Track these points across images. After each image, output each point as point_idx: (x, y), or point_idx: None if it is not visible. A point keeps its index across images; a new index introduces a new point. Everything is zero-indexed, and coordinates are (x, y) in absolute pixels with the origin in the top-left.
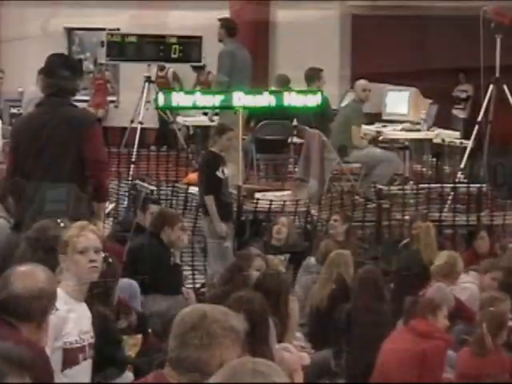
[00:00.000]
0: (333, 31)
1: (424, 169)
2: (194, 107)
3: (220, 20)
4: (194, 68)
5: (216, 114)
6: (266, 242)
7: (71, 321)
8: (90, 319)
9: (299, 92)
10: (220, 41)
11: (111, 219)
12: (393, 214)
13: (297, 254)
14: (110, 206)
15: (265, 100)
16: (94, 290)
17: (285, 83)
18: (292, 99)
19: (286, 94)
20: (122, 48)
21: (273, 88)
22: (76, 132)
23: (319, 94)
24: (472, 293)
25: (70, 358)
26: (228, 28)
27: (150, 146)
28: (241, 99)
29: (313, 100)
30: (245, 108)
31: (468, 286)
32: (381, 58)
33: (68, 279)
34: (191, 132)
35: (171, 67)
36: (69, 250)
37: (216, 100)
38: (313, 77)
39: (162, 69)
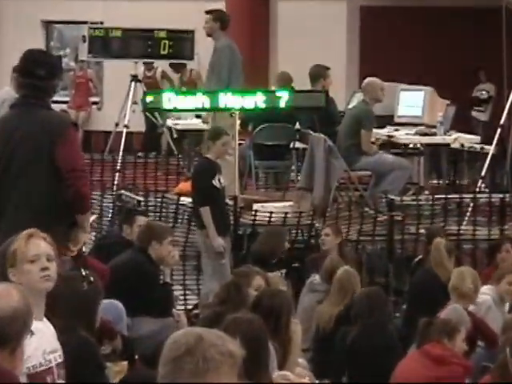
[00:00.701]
0: (339, 25)
1: (441, 178)
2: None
3: (211, 12)
4: (174, 67)
5: (198, 116)
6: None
7: (32, 342)
8: (54, 336)
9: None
10: (209, 35)
11: (94, 233)
12: (406, 228)
13: (293, 269)
14: (92, 218)
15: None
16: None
17: (287, 82)
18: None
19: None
20: (106, 43)
21: (273, 87)
22: (48, 138)
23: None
24: (483, 301)
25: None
26: (222, 21)
27: (137, 153)
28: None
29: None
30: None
31: (480, 296)
32: (392, 54)
33: None
34: (175, 136)
35: (159, 67)
36: (18, 261)
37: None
38: (318, 75)
39: (149, 69)
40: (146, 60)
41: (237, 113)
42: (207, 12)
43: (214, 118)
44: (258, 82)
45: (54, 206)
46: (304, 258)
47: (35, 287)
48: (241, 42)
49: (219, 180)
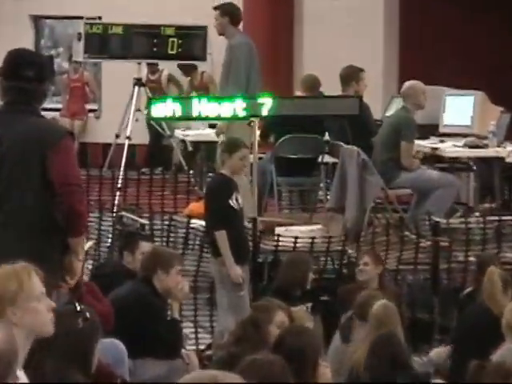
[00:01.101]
0: (375, 18)
1: (493, 197)
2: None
3: (219, 8)
4: (183, 70)
5: (212, 126)
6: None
7: None
8: None
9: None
10: (221, 34)
11: (91, 261)
12: (453, 255)
13: (321, 303)
14: (88, 244)
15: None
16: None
17: (313, 86)
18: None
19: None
20: (105, 42)
21: (298, 93)
22: (38, 148)
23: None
24: None
25: None
26: (232, 15)
27: (141, 168)
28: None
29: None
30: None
31: None
32: (438, 53)
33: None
34: (190, 149)
35: (165, 69)
36: (21, 299)
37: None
38: (350, 78)
39: (153, 71)
40: (150, 61)
41: (256, 121)
42: (215, 8)
43: (228, 128)
44: (279, 87)
45: (47, 229)
46: (334, 289)
47: (41, 329)
48: (260, 40)
49: (237, 199)
